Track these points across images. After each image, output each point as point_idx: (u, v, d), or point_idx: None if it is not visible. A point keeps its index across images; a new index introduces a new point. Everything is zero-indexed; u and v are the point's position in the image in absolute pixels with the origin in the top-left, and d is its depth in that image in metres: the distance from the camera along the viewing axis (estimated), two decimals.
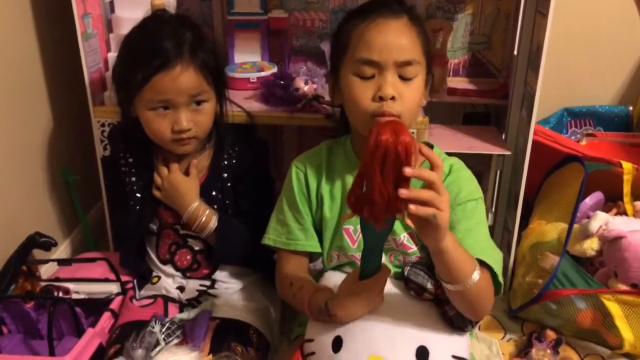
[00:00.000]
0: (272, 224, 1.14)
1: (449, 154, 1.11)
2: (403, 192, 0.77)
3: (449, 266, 0.89)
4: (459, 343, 0.97)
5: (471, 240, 0.97)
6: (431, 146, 1.10)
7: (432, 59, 1.04)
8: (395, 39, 0.97)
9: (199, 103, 1.14)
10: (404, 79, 0.98)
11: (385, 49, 0.96)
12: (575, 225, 1.37)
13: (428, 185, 0.80)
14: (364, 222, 0.86)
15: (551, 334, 1.30)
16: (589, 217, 1.42)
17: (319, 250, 1.11)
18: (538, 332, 1.31)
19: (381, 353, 0.91)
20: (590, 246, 1.35)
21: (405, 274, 1.01)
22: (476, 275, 0.90)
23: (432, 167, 0.82)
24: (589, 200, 1.48)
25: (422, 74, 1.00)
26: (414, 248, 1.06)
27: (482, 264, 0.95)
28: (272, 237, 1.13)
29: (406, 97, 0.97)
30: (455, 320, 0.97)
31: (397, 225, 1.05)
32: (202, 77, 1.13)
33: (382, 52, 0.96)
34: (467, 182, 1.05)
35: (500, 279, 0.98)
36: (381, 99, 0.96)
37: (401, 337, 0.93)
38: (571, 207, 1.40)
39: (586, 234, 1.35)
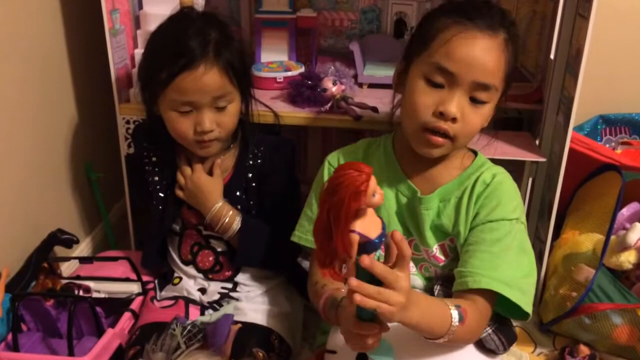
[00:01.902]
0: (301, 220, 1.10)
1: None
2: (352, 283, 0.71)
3: (419, 332, 0.84)
4: None
5: (488, 267, 0.91)
6: (475, 153, 1.05)
7: (511, 81, 0.96)
8: (481, 58, 0.88)
9: (222, 104, 1.11)
10: (475, 101, 0.90)
11: (467, 65, 0.88)
12: (612, 237, 1.32)
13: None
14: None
15: (585, 350, 1.25)
16: (625, 229, 1.37)
17: None
18: (571, 347, 1.26)
19: None
20: (628, 259, 1.29)
21: (435, 293, 0.98)
22: (454, 325, 0.84)
23: (399, 257, 0.75)
24: (625, 211, 1.42)
25: (494, 101, 0.93)
26: (445, 261, 1.01)
27: (491, 292, 0.90)
28: (297, 233, 1.09)
29: (469, 121, 0.91)
30: (487, 343, 0.93)
31: (430, 237, 1.01)
32: (227, 78, 1.10)
33: (462, 66, 0.88)
34: (507, 198, 0.97)
35: (526, 308, 0.92)
36: (441, 114, 0.90)
37: (428, 359, 0.90)
38: (607, 217, 1.34)
39: (624, 246, 1.29)
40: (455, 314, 0.84)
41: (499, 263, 0.92)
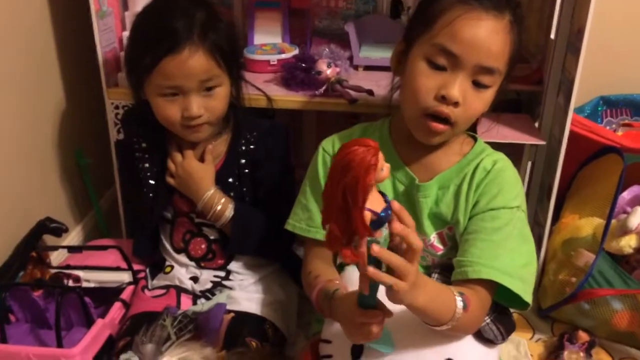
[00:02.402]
0: (295, 208, 1.07)
1: None
2: (370, 271, 0.70)
3: (424, 317, 0.82)
4: (487, 356, 0.92)
5: (488, 257, 0.89)
6: (474, 138, 1.01)
7: (515, 64, 0.92)
8: (486, 40, 0.85)
9: (210, 88, 1.08)
10: (477, 84, 0.87)
11: (471, 47, 0.84)
12: (612, 221, 1.29)
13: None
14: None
15: (584, 336, 1.23)
16: (626, 212, 1.34)
17: None
18: (570, 333, 1.24)
19: None
20: (628, 243, 1.27)
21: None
22: (459, 312, 0.82)
23: (407, 249, 0.72)
24: (626, 195, 1.40)
25: (497, 84, 0.90)
26: (443, 250, 0.99)
27: (492, 282, 0.88)
28: (292, 222, 1.07)
29: (470, 105, 0.87)
30: (485, 332, 0.91)
31: (428, 226, 0.98)
32: (213, 61, 1.06)
33: (466, 48, 0.84)
34: (508, 185, 0.94)
35: (527, 298, 0.90)
36: (443, 98, 0.86)
37: (427, 349, 0.87)
38: (608, 201, 1.32)
39: (624, 230, 1.27)
40: (459, 301, 0.82)
41: (499, 252, 0.89)
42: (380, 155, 0.68)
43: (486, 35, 0.85)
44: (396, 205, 0.72)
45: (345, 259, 0.71)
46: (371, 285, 0.75)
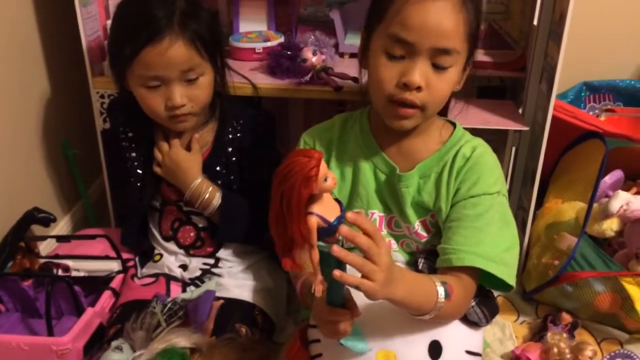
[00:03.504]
0: None
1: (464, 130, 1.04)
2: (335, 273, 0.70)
3: (405, 308, 0.83)
4: (472, 338, 0.93)
5: (471, 243, 0.90)
6: (454, 125, 1.02)
7: (477, 41, 0.92)
8: (436, 22, 0.84)
9: (192, 78, 1.08)
10: (437, 67, 0.87)
11: (422, 31, 0.84)
12: (595, 205, 1.32)
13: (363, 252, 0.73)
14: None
15: (567, 317, 1.26)
16: (608, 196, 1.37)
17: None
18: (553, 315, 1.27)
19: (393, 348, 0.87)
20: (610, 227, 1.29)
21: (420, 267, 0.97)
22: (441, 302, 0.83)
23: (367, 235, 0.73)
24: (608, 179, 1.42)
25: (460, 63, 0.90)
26: (427, 237, 1.00)
27: (476, 268, 0.89)
28: None
29: (435, 88, 0.88)
30: (470, 315, 0.93)
31: (411, 214, 0.99)
32: (194, 50, 1.06)
33: (418, 34, 0.85)
34: (488, 171, 0.95)
35: (510, 281, 0.92)
36: (405, 86, 0.87)
37: (413, 331, 0.89)
38: (590, 185, 1.34)
39: (606, 214, 1.29)
40: (441, 290, 0.84)
41: (481, 238, 0.91)
42: (323, 166, 0.69)
43: (435, 18, 0.84)
44: (351, 216, 0.72)
45: (285, 267, 0.73)
46: (335, 284, 0.76)
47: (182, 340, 0.97)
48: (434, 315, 0.84)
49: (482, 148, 0.98)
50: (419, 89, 0.87)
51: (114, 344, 0.99)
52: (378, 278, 0.73)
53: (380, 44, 0.89)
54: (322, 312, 0.81)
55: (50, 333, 1.07)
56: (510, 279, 0.92)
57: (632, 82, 1.75)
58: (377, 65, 0.90)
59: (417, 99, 0.88)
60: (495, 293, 1.29)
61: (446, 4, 0.85)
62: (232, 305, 1.13)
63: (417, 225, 1.00)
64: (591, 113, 1.74)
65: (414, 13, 0.85)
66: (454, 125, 1.02)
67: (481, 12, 0.91)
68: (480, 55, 1.58)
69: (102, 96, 1.36)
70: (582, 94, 1.77)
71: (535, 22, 1.41)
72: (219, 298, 1.14)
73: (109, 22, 1.37)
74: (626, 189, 1.42)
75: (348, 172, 1.02)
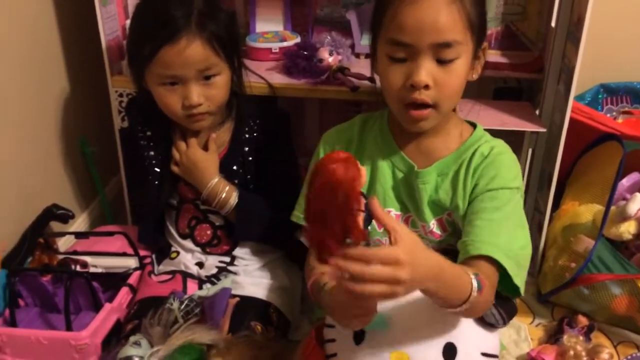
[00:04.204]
0: (299, 199, 1.09)
1: None
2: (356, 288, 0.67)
3: (435, 300, 0.80)
4: (488, 340, 0.93)
5: (488, 234, 0.89)
6: (474, 125, 1.02)
7: (484, 29, 0.93)
8: (430, 18, 0.84)
9: (209, 77, 1.09)
10: (442, 62, 0.87)
11: (418, 31, 0.85)
12: (612, 207, 1.31)
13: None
14: None
15: (583, 320, 1.25)
16: (625, 199, 1.36)
17: None
18: (569, 318, 1.26)
19: (406, 350, 0.86)
20: (628, 229, 1.28)
21: None
22: (474, 295, 0.80)
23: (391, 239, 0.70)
24: (625, 182, 1.41)
25: (467, 52, 0.89)
26: (443, 236, 1.00)
27: (494, 260, 0.87)
28: (297, 212, 1.09)
29: (443, 83, 0.88)
30: (486, 316, 0.92)
31: (428, 213, 0.99)
32: (211, 50, 1.07)
33: (414, 34, 0.85)
34: (506, 167, 0.95)
35: (518, 282, 0.89)
36: (413, 86, 0.87)
37: (428, 333, 0.88)
38: (608, 188, 1.33)
39: (623, 217, 1.28)
40: (475, 282, 0.81)
41: (498, 231, 0.90)
42: (363, 170, 0.70)
43: (428, 14, 0.85)
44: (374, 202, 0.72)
45: (334, 268, 0.70)
46: None
47: (199, 336, 0.97)
48: (464, 308, 0.81)
49: (501, 147, 0.98)
50: (427, 87, 0.87)
51: (132, 339, 1.00)
52: (401, 279, 0.69)
53: (383, 49, 0.91)
54: (350, 306, 0.79)
55: (69, 328, 1.08)
56: (518, 279, 0.89)
57: None
58: (384, 70, 0.91)
59: (428, 98, 0.88)
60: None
61: (443, 0, 0.85)
62: (247, 303, 1.14)
63: (433, 224, 1.00)
64: (608, 115, 1.73)
65: (408, 15, 0.85)
66: (474, 126, 1.02)
67: (477, 1, 0.91)
68: (497, 57, 1.58)
69: (120, 95, 1.37)
70: (600, 96, 1.75)
71: (553, 24, 1.40)
72: (234, 296, 1.14)
73: (128, 21, 1.38)
74: None
75: (366, 170, 1.02)
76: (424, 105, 0.89)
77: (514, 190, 0.94)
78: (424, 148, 0.99)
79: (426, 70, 0.86)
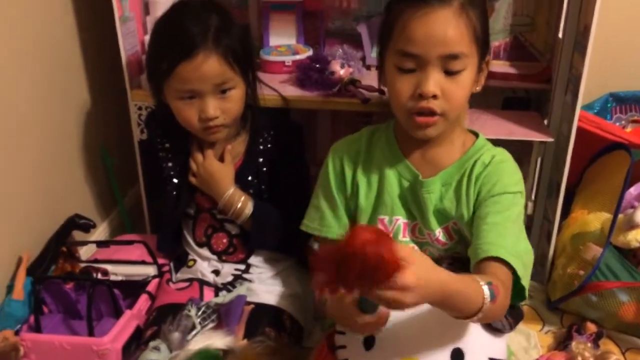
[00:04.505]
0: (308, 209, 1.13)
1: (489, 140, 1.07)
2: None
3: (451, 313, 0.81)
4: (496, 345, 0.95)
5: (495, 236, 0.91)
6: (476, 134, 1.06)
7: (487, 43, 0.97)
8: (439, 31, 0.89)
9: (225, 91, 1.13)
10: (449, 73, 0.91)
11: (427, 43, 0.89)
12: (620, 216, 1.33)
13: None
14: None
15: (592, 327, 1.27)
16: (633, 207, 1.38)
17: None
18: (578, 325, 1.28)
19: (415, 355, 0.89)
20: (635, 237, 1.30)
21: None
22: (487, 305, 0.80)
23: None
24: (634, 190, 1.43)
25: (472, 64, 0.93)
26: (449, 244, 1.03)
27: (504, 262, 0.88)
28: (306, 222, 1.12)
29: (451, 94, 0.91)
30: (493, 322, 0.94)
31: (433, 222, 1.02)
32: (227, 65, 1.11)
33: (424, 45, 0.89)
34: (507, 174, 0.99)
35: (524, 282, 0.90)
36: (421, 96, 0.91)
37: (436, 339, 0.91)
38: (616, 196, 1.35)
39: (631, 225, 1.30)
40: (487, 292, 0.80)
41: (504, 232, 0.92)
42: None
43: (437, 27, 0.88)
44: None
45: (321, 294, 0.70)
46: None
47: (216, 342, 1.01)
48: (478, 318, 0.82)
49: (502, 155, 1.02)
50: (434, 97, 0.91)
51: (152, 344, 1.04)
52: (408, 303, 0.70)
53: (391, 61, 0.94)
54: (356, 317, 0.79)
55: (91, 333, 1.13)
56: (525, 281, 0.90)
57: None
58: (392, 80, 0.95)
59: (435, 107, 0.91)
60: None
61: (447, 13, 0.89)
62: (262, 310, 1.17)
63: (439, 232, 1.02)
64: (617, 124, 1.74)
65: (418, 27, 0.89)
66: (477, 135, 1.05)
67: (485, 12, 0.95)
68: (506, 67, 1.61)
69: (139, 108, 1.42)
70: (609, 105, 1.77)
71: (560, 35, 1.43)
72: (249, 303, 1.18)
73: (147, 37, 1.43)
74: None
75: (374, 180, 1.05)
76: (432, 113, 0.92)
77: (517, 195, 0.97)
78: (429, 157, 1.02)
79: (434, 81, 0.90)
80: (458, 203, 1.00)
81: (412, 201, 1.03)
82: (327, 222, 1.08)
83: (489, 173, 0.99)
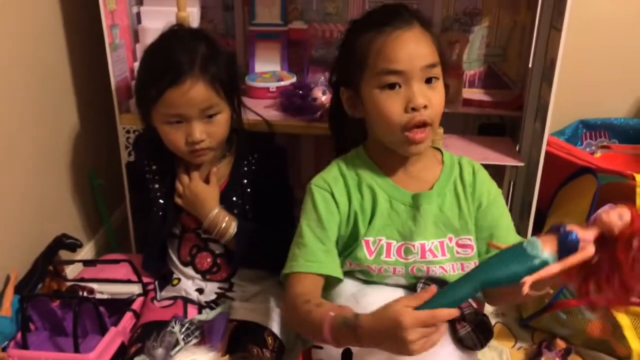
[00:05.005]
0: (291, 252, 1.04)
1: None
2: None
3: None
4: None
5: (512, 233, 1.04)
6: (441, 151, 1.10)
7: (444, 56, 1.04)
8: (415, 45, 0.97)
9: (211, 115, 1.18)
10: (429, 80, 0.98)
11: (409, 57, 0.96)
12: None
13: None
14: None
15: (561, 343, 1.32)
16: None
17: (340, 276, 1.02)
18: (548, 341, 1.33)
19: None
20: None
21: (418, 290, 1.00)
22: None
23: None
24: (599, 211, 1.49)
25: (441, 74, 1.01)
26: (440, 258, 1.02)
27: None
28: (289, 264, 1.02)
29: (435, 102, 0.98)
30: (465, 341, 0.97)
31: (429, 233, 1.02)
32: (213, 91, 1.16)
33: (407, 60, 0.96)
34: (490, 180, 1.08)
35: None
36: (413, 109, 0.96)
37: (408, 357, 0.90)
38: (583, 218, 1.41)
39: None
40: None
41: (513, 229, 1.05)
42: None
43: (413, 43, 0.97)
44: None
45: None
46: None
47: (199, 357, 1.05)
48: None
49: (475, 163, 1.10)
50: (425, 107, 0.97)
51: (137, 359, 1.07)
52: None
53: (371, 85, 0.99)
54: (423, 317, 0.79)
55: (77, 350, 1.15)
56: None
57: (626, 120, 1.83)
58: (379, 101, 0.98)
59: (426, 117, 0.97)
60: (493, 320, 1.38)
61: (414, 32, 0.98)
62: (244, 327, 1.21)
63: (432, 243, 1.02)
64: (587, 149, 1.82)
65: (397, 46, 0.96)
66: (441, 152, 1.11)
67: (436, 35, 1.04)
68: (481, 95, 1.69)
69: (127, 131, 1.47)
70: (579, 131, 1.85)
71: (530, 65, 1.51)
72: (232, 320, 1.22)
73: (136, 64, 1.49)
74: None
75: (367, 203, 1.04)
76: (424, 125, 0.98)
77: (501, 194, 1.08)
78: (414, 174, 1.06)
79: (421, 92, 0.96)
80: (460, 210, 1.04)
81: (405, 219, 1.03)
82: (315, 257, 1.01)
83: (481, 179, 1.06)
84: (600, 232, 0.79)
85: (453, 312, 0.81)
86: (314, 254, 1.01)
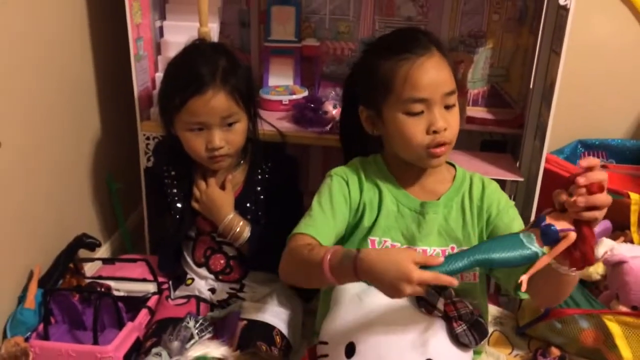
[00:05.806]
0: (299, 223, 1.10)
1: None
2: None
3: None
4: (463, 358, 1.04)
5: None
6: (452, 164, 1.18)
7: (457, 79, 1.11)
8: (439, 75, 1.04)
9: (230, 124, 1.26)
10: (448, 107, 1.05)
11: (432, 87, 1.03)
12: None
13: None
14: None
15: (555, 352, 1.38)
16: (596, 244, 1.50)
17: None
18: (543, 349, 1.39)
19: None
20: (596, 270, 1.42)
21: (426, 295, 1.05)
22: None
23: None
24: (597, 228, 1.55)
25: (457, 101, 1.08)
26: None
27: None
28: (294, 230, 1.09)
29: (452, 124, 1.06)
30: (461, 338, 1.03)
31: (432, 241, 1.10)
32: (233, 101, 1.24)
33: (430, 90, 1.02)
34: (500, 192, 1.14)
35: None
36: (435, 132, 1.04)
37: (411, 349, 0.99)
38: None
39: None
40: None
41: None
42: None
43: (435, 71, 1.04)
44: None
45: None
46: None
47: (212, 350, 1.11)
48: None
49: (485, 178, 1.17)
50: (445, 130, 1.05)
51: (154, 350, 1.13)
52: None
53: (396, 109, 1.06)
54: (416, 273, 0.85)
55: (96, 342, 1.22)
56: None
57: (623, 141, 1.90)
58: (403, 125, 1.05)
59: (446, 138, 1.05)
60: (491, 328, 1.43)
61: (434, 59, 1.05)
62: (254, 326, 1.26)
63: (433, 251, 1.10)
64: None
65: (420, 74, 1.03)
66: (454, 166, 1.18)
67: (450, 57, 1.10)
68: (484, 113, 1.77)
69: (147, 138, 1.55)
70: (578, 151, 1.91)
71: (531, 86, 1.58)
72: (243, 319, 1.28)
73: (157, 74, 1.57)
74: (614, 238, 1.55)
75: (375, 202, 1.13)
76: (444, 143, 1.06)
77: (513, 204, 1.14)
78: (428, 186, 1.14)
79: (442, 117, 1.04)
80: (464, 222, 1.11)
81: (409, 223, 1.11)
82: (315, 223, 1.07)
83: (490, 193, 1.13)
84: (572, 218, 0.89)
85: (453, 281, 0.87)
86: (316, 221, 1.08)
